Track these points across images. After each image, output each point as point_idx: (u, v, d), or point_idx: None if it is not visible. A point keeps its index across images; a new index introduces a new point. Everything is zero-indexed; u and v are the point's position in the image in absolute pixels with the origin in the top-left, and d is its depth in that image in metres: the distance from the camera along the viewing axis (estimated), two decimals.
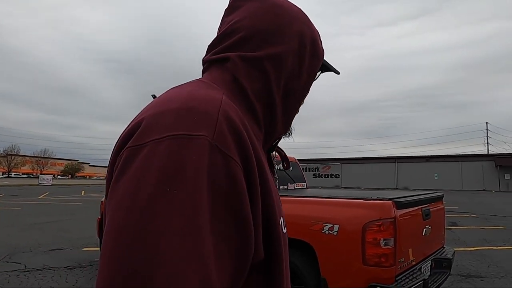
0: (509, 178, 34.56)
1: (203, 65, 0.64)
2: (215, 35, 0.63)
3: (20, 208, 14.24)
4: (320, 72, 0.70)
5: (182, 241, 0.37)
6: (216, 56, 0.60)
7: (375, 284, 2.52)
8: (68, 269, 5.26)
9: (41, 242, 7.21)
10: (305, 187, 4.94)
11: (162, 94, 0.53)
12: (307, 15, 0.66)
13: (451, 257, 3.44)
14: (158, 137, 0.42)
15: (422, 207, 3.13)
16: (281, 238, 0.51)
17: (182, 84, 0.55)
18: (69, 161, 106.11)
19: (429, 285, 2.82)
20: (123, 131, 0.48)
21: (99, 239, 5.70)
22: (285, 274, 0.52)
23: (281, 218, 0.55)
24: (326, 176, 46.66)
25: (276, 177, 0.68)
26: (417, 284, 2.63)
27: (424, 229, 3.11)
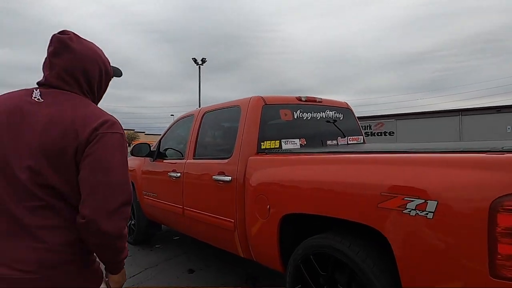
0: None
1: (49, 83, 1.18)
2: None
3: None
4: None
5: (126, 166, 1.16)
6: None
7: None
8: None
9: None
10: (361, 141, 3.65)
11: (88, 107, 1.18)
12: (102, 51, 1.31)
13: None
14: (117, 131, 1.16)
15: None
16: None
17: (84, 102, 1.19)
18: (127, 131, 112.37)
19: None
20: (85, 117, 1.12)
21: None
22: None
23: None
24: (379, 134, 43.55)
25: None
26: None
27: None
